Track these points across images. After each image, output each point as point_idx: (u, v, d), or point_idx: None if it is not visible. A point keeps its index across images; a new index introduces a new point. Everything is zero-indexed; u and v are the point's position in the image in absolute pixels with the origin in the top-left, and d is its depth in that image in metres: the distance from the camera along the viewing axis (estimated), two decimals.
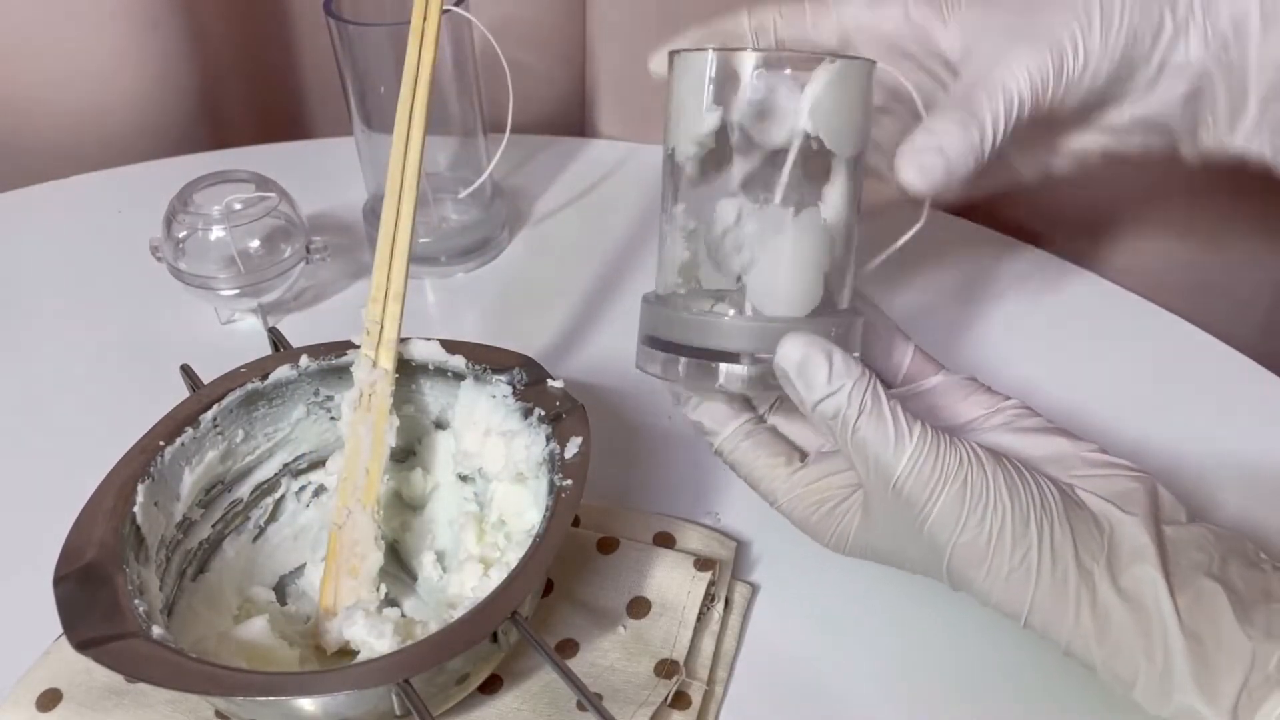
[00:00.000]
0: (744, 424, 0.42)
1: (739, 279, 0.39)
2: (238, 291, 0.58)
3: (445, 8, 0.47)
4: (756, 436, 0.42)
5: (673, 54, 0.39)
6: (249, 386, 0.45)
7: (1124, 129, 0.44)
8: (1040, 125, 0.42)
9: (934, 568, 0.38)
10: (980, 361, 0.55)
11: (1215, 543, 0.37)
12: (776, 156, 0.37)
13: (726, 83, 0.37)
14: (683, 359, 0.39)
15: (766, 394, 0.41)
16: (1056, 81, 0.39)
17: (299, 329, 0.57)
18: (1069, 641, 0.36)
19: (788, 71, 0.37)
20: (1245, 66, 0.41)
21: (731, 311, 0.39)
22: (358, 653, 0.42)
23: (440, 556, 0.46)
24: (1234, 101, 0.42)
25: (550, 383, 0.44)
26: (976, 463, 0.36)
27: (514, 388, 0.44)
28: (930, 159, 0.37)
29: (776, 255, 0.38)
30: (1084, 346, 0.56)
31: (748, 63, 0.37)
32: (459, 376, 0.46)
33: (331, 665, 0.42)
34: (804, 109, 0.36)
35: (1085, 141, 0.44)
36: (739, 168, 0.38)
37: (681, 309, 0.39)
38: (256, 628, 0.41)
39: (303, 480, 0.47)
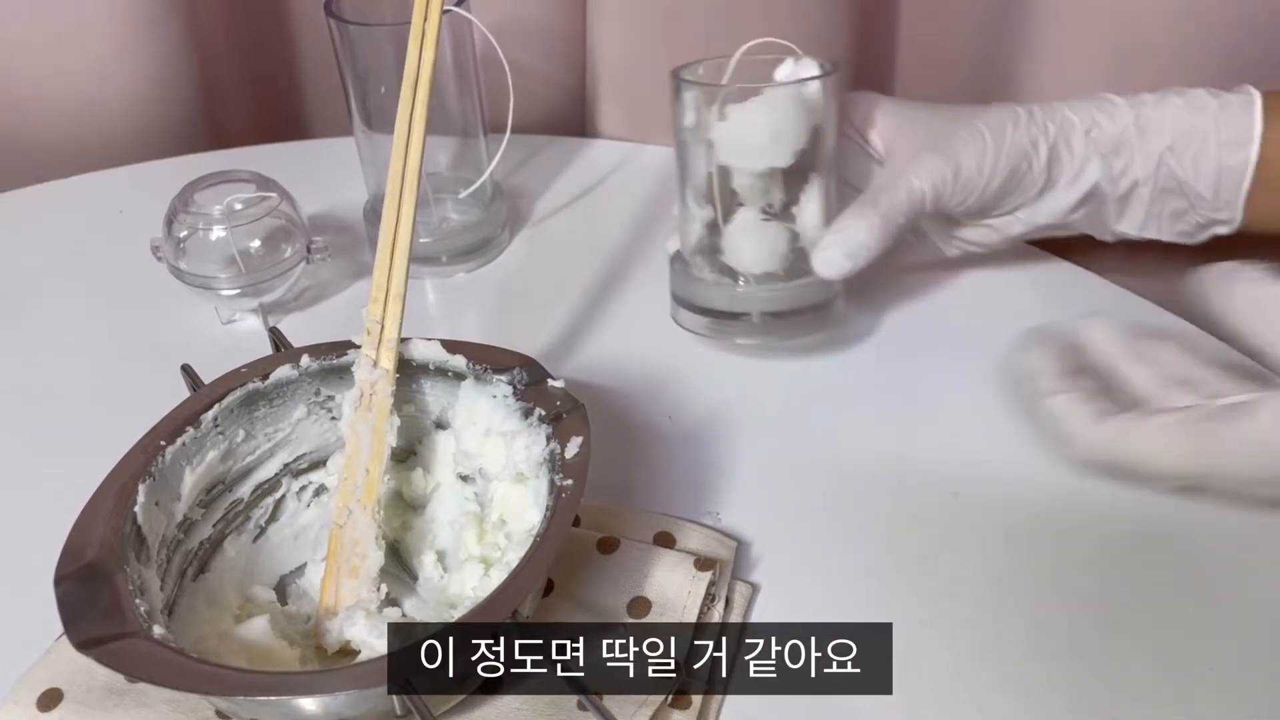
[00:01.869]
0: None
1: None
2: (238, 291, 0.58)
3: (445, 8, 0.47)
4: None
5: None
6: (250, 386, 0.45)
7: (1029, 228, 0.55)
8: (951, 219, 0.56)
9: None
10: (978, 365, 0.55)
11: None
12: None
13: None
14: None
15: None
16: (954, 182, 0.50)
17: (300, 329, 0.57)
18: None
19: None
20: (1131, 174, 0.52)
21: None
22: (358, 652, 0.42)
23: (441, 556, 0.46)
24: (1123, 202, 0.53)
25: (550, 383, 0.44)
26: None
27: (514, 388, 0.44)
28: (831, 254, 0.49)
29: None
30: None
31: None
32: (459, 376, 0.46)
33: (332, 665, 0.42)
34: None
35: (985, 235, 0.56)
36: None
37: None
38: (257, 627, 0.41)
39: (303, 480, 0.48)
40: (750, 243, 0.50)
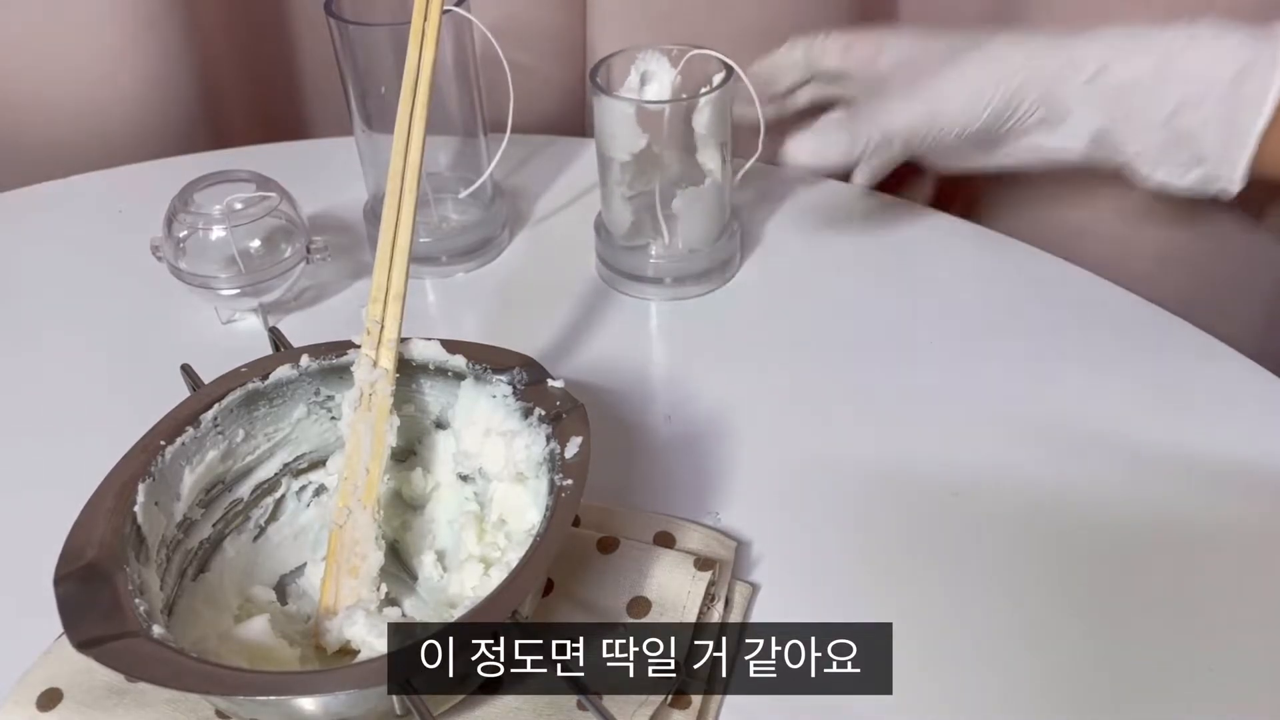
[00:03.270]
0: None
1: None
2: (238, 291, 0.58)
3: (445, 8, 0.47)
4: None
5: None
6: (249, 386, 0.45)
7: (1035, 158, 0.55)
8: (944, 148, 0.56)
9: None
10: (978, 366, 0.55)
11: None
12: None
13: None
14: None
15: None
16: (929, 127, 0.53)
17: (299, 329, 0.57)
18: None
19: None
20: (1134, 125, 0.51)
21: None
22: (358, 652, 0.42)
23: (440, 556, 0.46)
24: (1144, 149, 0.52)
25: (550, 383, 0.44)
26: None
27: (514, 388, 0.44)
28: (799, 147, 0.54)
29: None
30: (1080, 348, 0.56)
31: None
32: (459, 376, 0.46)
33: (332, 665, 0.42)
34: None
35: (1003, 158, 0.57)
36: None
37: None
38: (257, 627, 0.41)
39: (303, 480, 0.48)
40: (619, 214, 0.60)
